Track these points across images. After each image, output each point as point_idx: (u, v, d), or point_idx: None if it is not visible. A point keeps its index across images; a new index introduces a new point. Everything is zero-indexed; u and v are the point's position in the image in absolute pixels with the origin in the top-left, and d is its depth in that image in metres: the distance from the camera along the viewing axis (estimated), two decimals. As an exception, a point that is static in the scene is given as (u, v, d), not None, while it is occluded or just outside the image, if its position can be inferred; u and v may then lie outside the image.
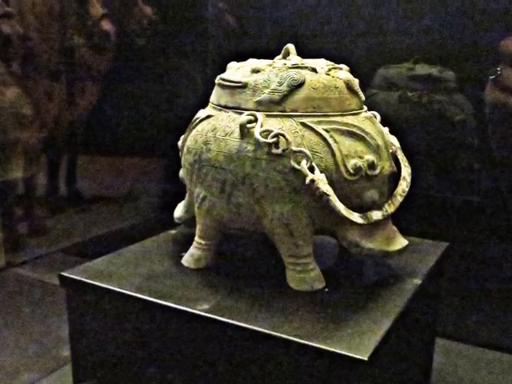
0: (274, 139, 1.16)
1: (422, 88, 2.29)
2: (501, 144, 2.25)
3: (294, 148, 1.15)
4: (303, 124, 1.19)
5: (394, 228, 1.29)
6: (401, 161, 1.36)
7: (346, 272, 1.37)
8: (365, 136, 1.21)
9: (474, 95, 2.26)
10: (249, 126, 1.19)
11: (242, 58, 1.40)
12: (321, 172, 1.16)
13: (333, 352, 1.01)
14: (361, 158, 1.20)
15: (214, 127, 1.27)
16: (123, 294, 1.25)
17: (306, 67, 1.26)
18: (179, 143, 1.44)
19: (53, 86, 3.05)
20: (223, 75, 1.34)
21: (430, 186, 2.36)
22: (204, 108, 1.39)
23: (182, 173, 1.45)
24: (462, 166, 2.32)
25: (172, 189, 1.70)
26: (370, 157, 1.21)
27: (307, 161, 1.15)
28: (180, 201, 1.55)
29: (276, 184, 1.17)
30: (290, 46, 1.35)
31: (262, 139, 1.16)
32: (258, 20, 2.70)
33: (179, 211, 1.54)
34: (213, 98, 1.37)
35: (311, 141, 1.18)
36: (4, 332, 2.19)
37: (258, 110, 1.22)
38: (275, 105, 1.22)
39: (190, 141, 1.33)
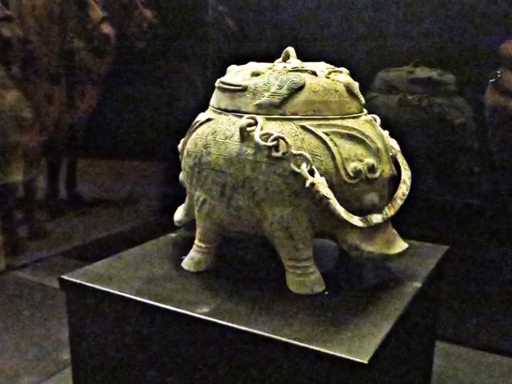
0: (274, 142, 1.16)
1: (422, 91, 2.29)
2: (501, 147, 2.25)
3: (294, 151, 1.15)
4: (303, 127, 1.19)
5: (394, 231, 1.29)
6: (401, 164, 1.36)
7: (346, 275, 1.37)
8: (365, 139, 1.21)
9: (474, 98, 2.27)
10: (249, 129, 1.19)
11: (241, 61, 1.40)
12: (321, 175, 1.15)
13: (333, 355, 1.01)
14: (361, 161, 1.20)
15: (214, 130, 1.27)
16: (123, 297, 1.24)
17: (305, 70, 1.26)
18: (179, 146, 1.44)
19: (53, 89, 3.05)
20: (223, 78, 1.34)
21: (430, 189, 2.36)
22: (204, 111, 1.39)
23: (181, 176, 1.45)
24: (461, 170, 2.33)
25: (172, 192, 1.70)
26: (370, 160, 1.21)
27: (307, 164, 1.15)
28: (180, 204, 1.55)
29: (276, 187, 1.17)
30: (290, 49, 1.35)
31: (262, 142, 1.16)
32: (258, 23, 2.71)
33: (179, 214, 1.54)
34: (213, 101, 1.37)
35: (311, 144, 1.18)
36: (4, 335, 2.19)
37: (258, 114, 1.22)
38: (275, 108, 1.22)
39: (189, 144, 1.33)
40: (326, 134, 1.19)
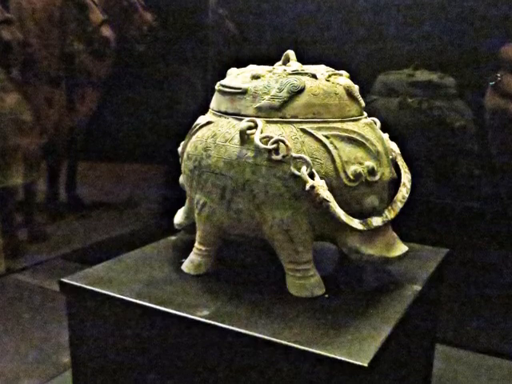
0: (274, 145, 1.16)
1: (422, 94, 2.30)
2: (501, 150, 2.25)
3: (294, 154, 1.15)
4: (303, 130, 1.19)
5: (394, 234, 1.29)
6: (401, 167, 1.36)
7: (346, 278, 1.37)
8: (365, 142, 1.21)
9: (474, 101, 2.27)
10: (249, 132, 1.19)
11: (242, 64, 1.40)
12: (321, 178, 1.16)
13: (333, 358, 1.01)
14: (361, 164, 1.20)
15: (214, 133, 1.27)
16: (123, 300, 1.24)
17: (306, 73, 1.26)
18: (179, 149, 1.44)
19: (53, 92, 3.05)
20: (223, 81, 1.34)
21: (430, 192, 2.36)
22: (204, 114, 1.39)
23: (182, 179, 1.45)
24: (462, 172, 2.33)
25: (172, 195, 1.70)
26: (370, 163, 1.21)
27: (307, 167, 1.15)
28: (180, 207, 1.55)
29: (276, 190, 1.17)
30: (290, 52, 1.35)
31: (262, 145, 1.16)
32: (258, 26, 2.71)
33: (179, 217, 1.54)
34: (213, 104, 1.37)
35: (311, 147, 1.18)
36: (4, 338, 2.19)
37: (258, 116, 1.22)
38: (275, 111, 1.22)
39: (189, 147, 1.33)
40: (326, 136, 1.19)
